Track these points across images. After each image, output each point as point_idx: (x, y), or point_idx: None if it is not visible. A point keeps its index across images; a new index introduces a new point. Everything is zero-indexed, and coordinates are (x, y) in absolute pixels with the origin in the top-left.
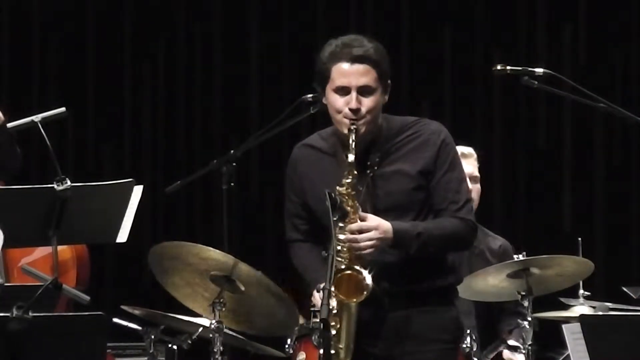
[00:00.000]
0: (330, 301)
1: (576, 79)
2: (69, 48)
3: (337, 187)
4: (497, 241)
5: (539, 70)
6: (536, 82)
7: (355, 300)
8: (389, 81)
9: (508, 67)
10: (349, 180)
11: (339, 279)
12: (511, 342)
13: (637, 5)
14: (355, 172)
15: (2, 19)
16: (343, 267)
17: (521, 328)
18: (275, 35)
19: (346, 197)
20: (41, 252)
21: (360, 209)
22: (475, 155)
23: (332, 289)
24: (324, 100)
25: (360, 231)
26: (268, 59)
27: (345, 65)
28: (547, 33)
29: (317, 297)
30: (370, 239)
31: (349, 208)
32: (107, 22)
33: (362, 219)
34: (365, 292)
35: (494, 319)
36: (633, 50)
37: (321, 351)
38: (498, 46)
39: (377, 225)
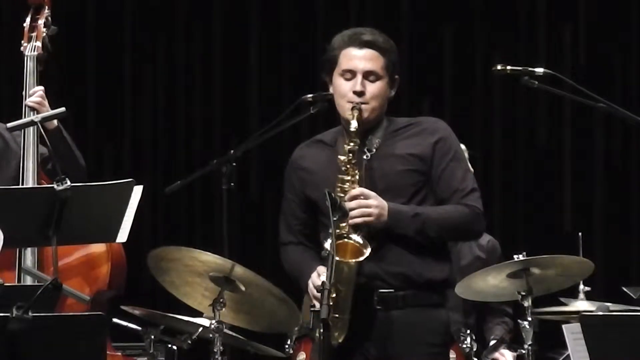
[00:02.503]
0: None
1: (576, 79)
2: (69, 48)
3: (339, 157)
4: (485, 236)
5: (539, 70)
6: (536, 82)
7: (357, 259)
8: (397, 77)
9: (508, 67)
10: (350, 147)
11: (337, 246)
12: (493, 338)
13: (637, 5)
14: (358, 141)
15: (1, 19)
16: (338, 233)
17: (521, 328)
18: (275, 35)
19: (348, 166)
20: (78, 253)
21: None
22: (466, 150)
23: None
24: (330, 89)
25: (360, 197)
26: (268, 59)
27: (353, 50)
28: (547, 33)
29: (313, 291)
30: (368, 206)
31: (349, 177)
32: (107, 22)
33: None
34: (364, 251)
35: (480, 320)
36: (633, 50)
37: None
38: (498, 46)
39: (375, 196)
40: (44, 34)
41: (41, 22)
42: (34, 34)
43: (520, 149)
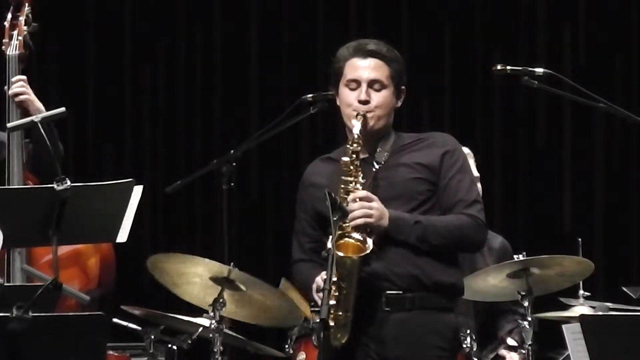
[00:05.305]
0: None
1: (576, 79)
2: (69, 48)
3: (342, 159)
4: (497, 239)
5: (539, 70)
6: (536, 82)
7: (359, 254)
8: (403, 87)
9: (508, 67)
10: (352, 149)
11: (339, 245)
12: (510, 342)
13: (637, 5)
14: (361, 142)
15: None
16: (340, 233)
17: (521, 328)
18: (275, 36)
19: (351, 167)
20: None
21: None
22: (473, 155)
23: (336, 251)
24: (337, 101)
25: (364, 199)
26: (268, 59)
27: (357, 60)
28: (547, 33)
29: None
30: (370, 208)
31: (352, 179)
32: (107, 22)
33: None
34: (365, 247)
35: (490, 320)
36: (633, 50)
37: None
38: (498, 46)
39: (378, 201)
40: (25, 32)
41: (22, 19)
42: (14, 32)
43: (520, 149)
